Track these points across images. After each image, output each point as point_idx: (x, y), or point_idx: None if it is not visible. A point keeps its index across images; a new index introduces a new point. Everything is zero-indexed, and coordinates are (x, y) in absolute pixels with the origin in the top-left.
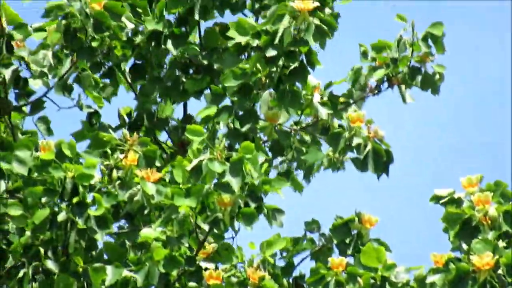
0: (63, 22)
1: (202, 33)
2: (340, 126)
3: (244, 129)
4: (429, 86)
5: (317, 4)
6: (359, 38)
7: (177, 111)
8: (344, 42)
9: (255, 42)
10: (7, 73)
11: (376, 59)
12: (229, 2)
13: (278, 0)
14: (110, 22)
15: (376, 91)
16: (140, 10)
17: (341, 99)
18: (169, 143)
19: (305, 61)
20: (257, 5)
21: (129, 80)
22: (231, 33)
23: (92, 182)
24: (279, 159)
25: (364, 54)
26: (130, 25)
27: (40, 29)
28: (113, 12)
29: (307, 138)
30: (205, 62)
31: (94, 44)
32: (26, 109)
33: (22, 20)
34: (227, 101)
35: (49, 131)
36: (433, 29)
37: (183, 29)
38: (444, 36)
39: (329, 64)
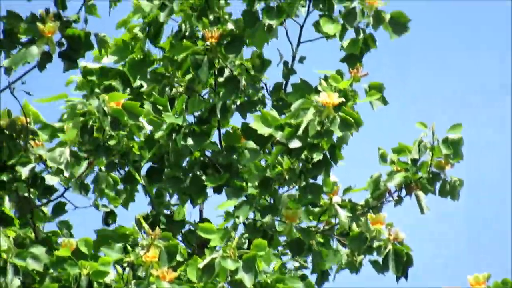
0: (81, 119)
1: (222, 133)
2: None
3: (264, 220)
4: (448, 193)
5: (342, 99)
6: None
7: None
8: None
9: (279, 135)
10: (24, 172)
11: (395, 162)
12: (250, 102)
13: (301, 95)
14: (127, 121)
15: (397, 201)
16: (160, 108)
17: (360, 206)
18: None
19: (328, 155)
20: (277, 102)
21: (145, 184)
22: (254, 125)
23: (108, 281)
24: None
25: (383, 157)
26: (148, 127)
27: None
28: (131, 112)
29: (325, 240)
30: (225, 161)
31: (111, 142)
32: (48, 209)
33: (42, 118)
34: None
35: (71, 235)
36: (453, 132)
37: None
38: (463, 143)
39: (347, 163)
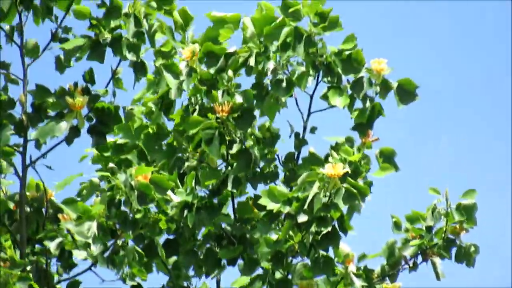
0: (108, 193)
1: (235, 205)
2: None
3: None
4: (464, 259)
5: (347, 170)
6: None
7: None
8: (375, 208)
9: (286, 209)
10: (52, 246)
11: (409, 230)
12: (262, 174)
13: (311, 168)
14: (155, 195)
15: (412, 267)
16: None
17: (375, 273)
18: None
19: (337, 227)
20: (289, 173)
21: (162, 256)
22: (263, 200)
23: None
24: None
25: (397, 226)
26: (176, 198)
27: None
28: (159, 185)
29: None
30: (238, 233)
31: (138, 216)
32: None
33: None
34: (261, 270)
35: None
36: (466, 198)
37: (215, 200)
38: (476, 208)
39: (360, 231)
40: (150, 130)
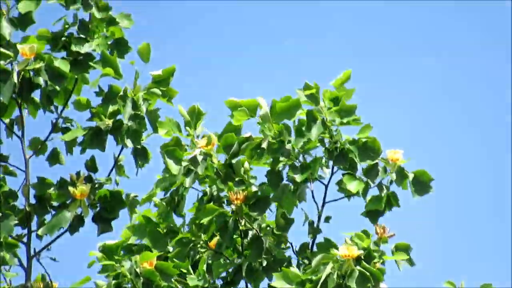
0: (113, 282)
1: None
2: None
3: None
4: None
5: (361, 252)
6: None
7: None
8: None
9: None
10: None
11: None
12: (276, 262)
13: (325, 250)
14: (160, 282)
15: None
16: (184, 271)
17: None
18: None
19: None
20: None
21: None
22: (276, 283)
23: None
24: None
25: None
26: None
27: None
28: (164, 272)
29: None
30: None
31: None
32: None
33: None
34: None
35: None
36: None
37: None
38: None
39: None
40: (160, 230)
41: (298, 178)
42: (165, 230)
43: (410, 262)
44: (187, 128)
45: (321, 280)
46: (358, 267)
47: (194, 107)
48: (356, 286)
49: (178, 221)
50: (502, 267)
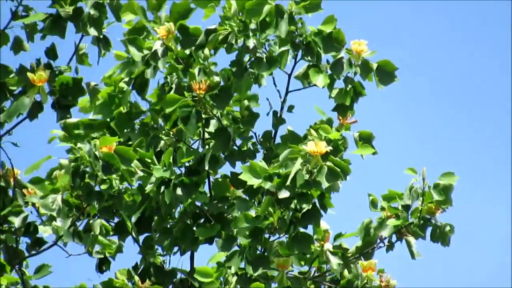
0: (72, 164)
1: (212, 182)
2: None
3: (255, 274)
4: (439, 238)
5: (330, 148)
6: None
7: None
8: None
9: (268, 185)
10: (17, 221)
11: (385, 209)
12: (240, 151)
13: (290, 146)
14: (119, 165)
15: (389, 246)
16: (148, 161)
17: (351, 252)
18: None
19: (317, 204)
20: (267, 152)
21: (134, 234)
22: (244, 176)
23: None
24: None
25: (373, 204)
26: (140, 172)
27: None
28: (123, 156)
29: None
30: (215, 211)
31: (103, 187)
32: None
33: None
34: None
35: None
36: (444, 179)
37: (192, 179)
38: (453, 189)
39: (338, 209)
40: (122, 109)
41: (265, 73)
42: (127, 110)
43: (373, 150)
44: (151, 11)
45: (291, 176)
46: (327, 163)
47: None
48: (326, 181)
49: (142, 104)
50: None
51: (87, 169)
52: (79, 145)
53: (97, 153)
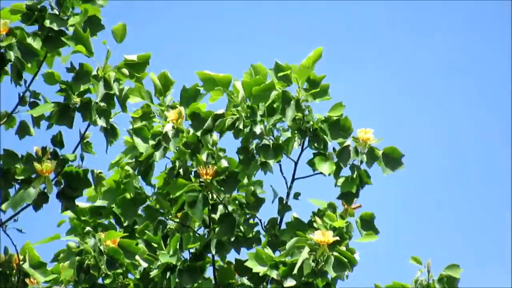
0: (77, 258)
1: (216, 270)
2: None
3: None
4: None
5: (337, 238)
6: None
7: None
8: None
9: (274, 273)
10: None
11: None
12: (245, 238)
13: (296, 234)
14: (124, 259)
15: None
16: (155, 245)
17: None
18: None
19: None
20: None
21: None
22: (249, 263)
23: None
24: None
25: None
26: (144, 264)
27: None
28: (128, 250)
29: None
30: None
31: (106, 281)
32: None
33: (40, 259)
34: None
35: None
36: (449, 271)
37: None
38: (458, 281)
39: None
40: (127, 196)
41: (271, 161)
42: (132, 196)
43: (374, 230)
44: (158, 95)
45: (297, 265)
46: (334, 253)
47: (164, 73)
48: (333, 271)
49: (146, 189)
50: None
51: (91, 262)
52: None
53: (101, 247)
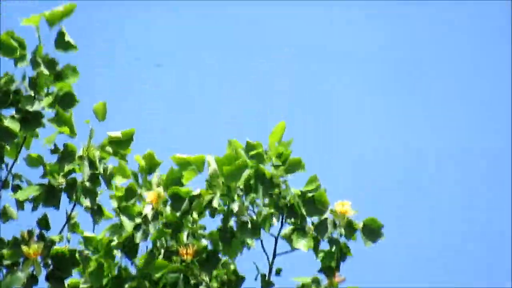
0: None
1: None
2: None
3: None
4: None
5: None
6: None
7: None
8: None
9: None
10: None
11: None
12: None
13: None
14: None
15: None
16: None
17: None
18: None
19: None
20: None
21: None
22: None
23: None
24: None
25: None
26: None
27: None
28: None
29: None
30: None
31: None
32: None
33: None
34: None
35: None
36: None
37: None
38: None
39: None
40: (112, 274)
41: (250, 241)
42: (117, 274)
43: None
44: (143, 174)
45: None
46: None
47: (150, 153)
48: None
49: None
50: None
51: None
52: None
53: None
